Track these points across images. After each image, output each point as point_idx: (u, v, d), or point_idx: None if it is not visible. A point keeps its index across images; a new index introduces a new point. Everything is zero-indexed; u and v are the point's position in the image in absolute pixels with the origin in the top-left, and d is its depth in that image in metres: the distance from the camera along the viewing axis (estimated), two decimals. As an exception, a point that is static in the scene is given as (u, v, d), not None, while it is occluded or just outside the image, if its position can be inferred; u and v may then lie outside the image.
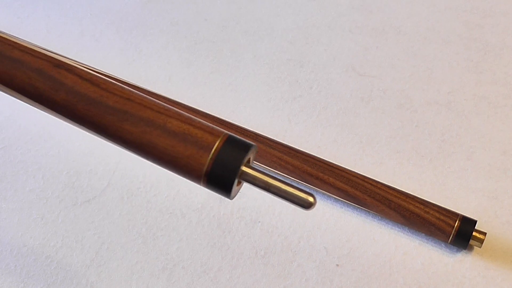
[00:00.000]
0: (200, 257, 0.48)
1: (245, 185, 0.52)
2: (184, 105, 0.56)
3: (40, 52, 0.28)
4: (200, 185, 0.26)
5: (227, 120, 0.55)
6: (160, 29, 0.70)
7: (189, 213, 0.51)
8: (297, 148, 0.53)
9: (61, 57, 0.29)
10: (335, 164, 0.51)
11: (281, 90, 0.62)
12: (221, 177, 0.26)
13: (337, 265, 0.48)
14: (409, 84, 0.63)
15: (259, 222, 0.50)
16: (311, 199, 0.27)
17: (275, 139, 0.53)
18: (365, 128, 0.58)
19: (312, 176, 0.50)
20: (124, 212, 0.51)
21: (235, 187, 0.27)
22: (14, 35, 0.33)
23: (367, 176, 0.51)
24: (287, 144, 0.53)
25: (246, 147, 0.26)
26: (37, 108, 0.29)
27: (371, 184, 0.50)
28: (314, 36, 0.69)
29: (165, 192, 0.52)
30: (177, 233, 0.49)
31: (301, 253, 0.48)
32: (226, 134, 0.27)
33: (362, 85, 0.63)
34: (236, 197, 0.51)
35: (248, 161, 0.27)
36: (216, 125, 0.28)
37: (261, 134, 0.53)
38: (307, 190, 0.28)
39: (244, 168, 0.26)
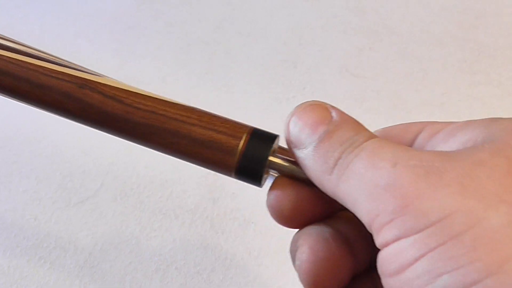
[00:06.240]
0: (194, 258, 0.48)
1: (239, 186, 0.53)
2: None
3: (63, 73, 0.29)
4: (232, 177, 0.28)
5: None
6: (154, 30, 0.70)
7: (183, 214, 0.51)
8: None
9: (81, 73, 0.29)
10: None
11: (275, 91, 0.62)
12: (250, 171, 0.27)
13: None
14: (403, 85, 0.63)
15: (253, 223, 0.50)
16: None
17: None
18: (358, 129, 0.58)
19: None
20: (118, 213, 0.51)
21: (264, 176, 0.28)
22: (22, 41, 0.32)
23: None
24: (280, 145, 0.53)
25: (271, 139, 0.28)
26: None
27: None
28: (308, 37, 0.69)
29: (159, 193, 0.52)
30: (171, 234, 0.49)
31: (294, 254, 0.48)
32: (250, 131, 0.28)
33: (356, 86, 0.63)
34: (234, 196, 0.52)
35: (274, 151, 0.28)
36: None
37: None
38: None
39: (271, 158, 0.27)
